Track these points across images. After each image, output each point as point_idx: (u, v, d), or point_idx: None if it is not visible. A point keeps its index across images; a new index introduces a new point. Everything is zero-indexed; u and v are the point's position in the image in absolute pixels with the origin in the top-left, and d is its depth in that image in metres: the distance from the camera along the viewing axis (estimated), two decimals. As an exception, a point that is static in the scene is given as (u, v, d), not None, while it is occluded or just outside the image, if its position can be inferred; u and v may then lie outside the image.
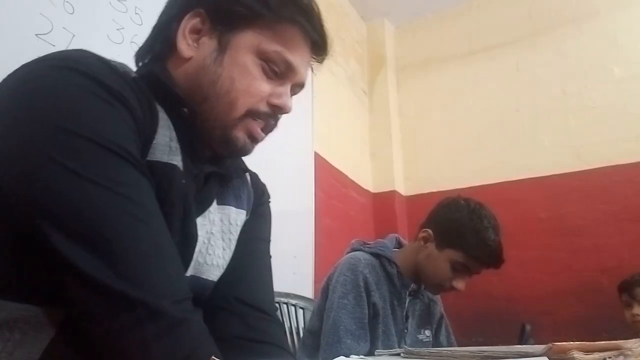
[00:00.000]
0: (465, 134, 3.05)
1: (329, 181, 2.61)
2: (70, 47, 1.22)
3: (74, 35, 1.24)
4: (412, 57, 3.41)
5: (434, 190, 2.94)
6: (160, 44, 0.70)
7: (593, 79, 2.76)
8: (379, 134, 3.22)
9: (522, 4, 3.06)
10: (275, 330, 0.75)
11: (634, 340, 0.61)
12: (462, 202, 1.38)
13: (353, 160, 2.96)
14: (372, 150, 3.21)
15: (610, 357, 0.55)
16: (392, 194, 3.06)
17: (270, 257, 0.82)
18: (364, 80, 3.34)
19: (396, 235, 1.54)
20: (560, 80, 2.84)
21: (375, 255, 1.39)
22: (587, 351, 0.52)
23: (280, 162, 2.11)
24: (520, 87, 2.95)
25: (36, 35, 1.16)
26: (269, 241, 0.84)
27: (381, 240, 1.49)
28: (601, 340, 0.56)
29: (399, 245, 1.51)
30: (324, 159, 2.58)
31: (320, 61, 0.77)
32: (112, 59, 0.61)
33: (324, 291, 1.37)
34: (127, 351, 0.49)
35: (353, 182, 2.89)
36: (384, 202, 3.06)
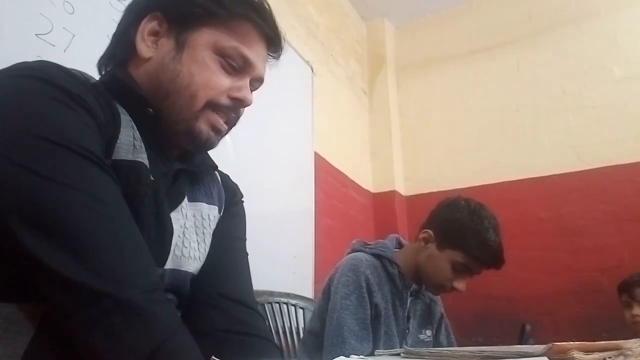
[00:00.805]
0: (465, 134, 3.05)
1: (329, 181, 2.61)
2: (70, 47, 1.22)
3: (74, 35, 1.24)
4: (412, 57, 3.41)
5: (434, 190, 2.94)
6: (121, 49, 0.73)
7: (593, 79, 2.76)
8: (379, 134, 3.22)
9: (522, 4, 3.06)
10: (259, 323, 0.77)
11: (634, 340, 0.61)
12: (463, 202, 1.38)
13: (353, 160, 2.96)
14: (372, 150, 3.21)
15: (610, 357, 0.55)
16: (392, 194, 3.06)
17: (247, 254, 0.84)
18: (364, 80, 3.34)
19: (396, 235, 1.54)
20: (560, 80, 2.84)
21: (377, 255, 1.39)
22: (587, 351, 0.52)
23: (280, 162, 2.12)
24: (520, 87, 2.95)
25: (36, 35, 1.16)
26: (245, 240, 0.86)
27: (382, 240, 1.49)
28: (601, 340, 0.56)
29: (400, 245, 1.51)
30: (324, 159, 2.58)
31: (277, 57, 0.79)
32: (73, 68, 0.63)
33: (325, 292, 1.37)
34: (97, 343, 0.50)
35: (353, 182, 2.89)
36: (384, 202, 3.06)
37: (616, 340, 0.60)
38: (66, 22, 1.23)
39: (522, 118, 2.90)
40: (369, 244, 1.45)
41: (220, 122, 0.71)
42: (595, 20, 2.84)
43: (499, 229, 1.33)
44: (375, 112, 3.29)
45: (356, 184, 2.93)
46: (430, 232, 1.38)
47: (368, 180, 3.11)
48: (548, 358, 0.50)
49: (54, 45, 1.18)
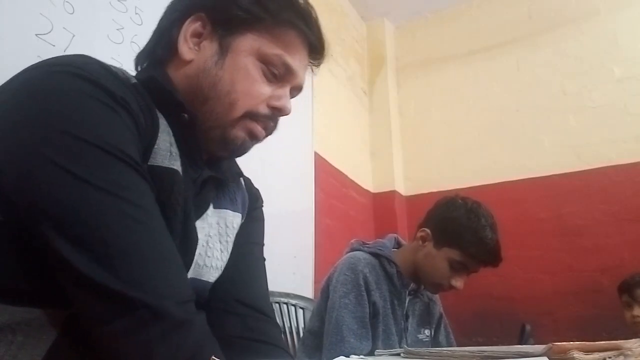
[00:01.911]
0: (465, 134, 3.05)
1: (329, 181, 2.61)
2: (70, 47, 1.22)
3: (74, 35, 1.24)
4: (412, 57, 3.41)
5: (434, 190, 2.94)
6: (161, 48, 0.71)
7: (593, 79, 2.76)
8: (379, 134, 3.22)
9: (522, 4, 3.06)
10: (273, 331, 0.77)
11: (634, 340, 0.61)
12: (460, 201, 1.39)
13: (353, 160, 2.96)
14: (372, 150, 3.21)
15: (610, 357, 0.55)
16: (392, 194, 3.06)
17: (264, 259, 0.84)
18: (364, 80, 3.34)
19: (395, 235, 1.55)
20: (560, 80, 2.84)
21: (375, 254, 1.40)
22: (587, 351, 0.52)
23: (280, 162, 2.11)
24: (520, 87, 2.95)
25: (36, 35, 1.16)
26: (263, 245, 0.86)
27: (380, 240, 1.49)
28: (601, 340, 0.56)
29: (398, 245, 1.52)
30: (324, 159, 2.58)
31: (318, 65, 0.78)
32: (112, 65, 0.62)
33: (324, 291, 1.38)
34: (129, 353, 0.49)
35: (353, 182, 2.89)
36: (384, 202, 3.06)
37: (616, 340, 0.60)
38: (66, 22, 1.23)
39: (522, 118, 2.90)
40: (368, 243, 1.45)
41: (259, 129, 0.70)
42: (595, 20, 2.83)
43: (496, 227, 1.34)
44: (375, 112, 3.29)
45: (356, 184, 2.93)
46: (428, 230, 1.39)
47: (368, 180, 3.11)
48: (548, 358, 0.50)
49: (54, 45, 1.18)
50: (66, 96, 0.54)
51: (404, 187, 3.18)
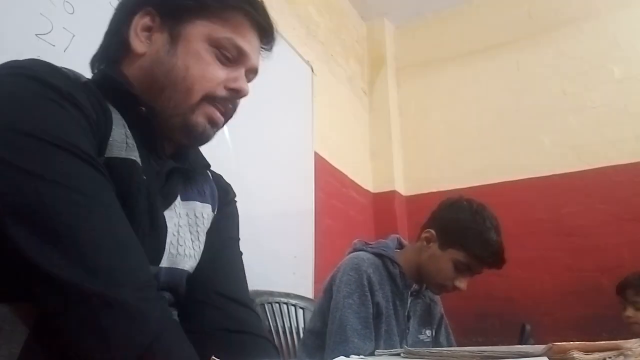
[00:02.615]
0: (465, 134, 3.05)
1: (329, 181, 2.61)
2: (70, 47, 1.22)
3: (74, 35, 1.24)
4: (412, 57, 3.41)
5: (434, 190, 2.94)
6: (114, 47, 0.72)
7: (593, 79, 2.76)
8: (379, 134, 3.22)
9: (522, 4, 3.06)
10: (256, 321, 0.77)
11: (634, 340, 0.61)
12: (465, 202, 1.39)
13: (353, 160, 2.96)
14: (372, 150, 3.21)
15: (610, 357, 0.55)
16: (392, 194, 3.06)
17: (241, 253, 0.84)
18: (364, 80, 3.34)
19: (397, 235, 1.55)
20: (560, 80, 2.84)
21: (378, 255, 1.39)
22: (587, 351, 0.52)
23: (280, 162, 2.11)
24: (520, 87, 2.95)
25: (36, 35, 1.16)
26: (238, 239, 0.86)
27: (383, 240, 1.49)
28: (601, 340, 0.56)
29: (400, 245, 1.51)
30: (324, 159, 2.58)
31: (269, 49, 0.79)
32: (64, 67, 0.63)
33: (327, 291, 1.37)
34: (86, 343, 0.49)
35: (353, 182, 2.89)
36: (384, 202, 3.06)
37: (616, 340, 0.60)
38: (66, 22, 1.23)
39: (522, 118, 2.90)
40: (371, 244, 1.45)
41: (217, 115, 0.71)
42: (595, 20, 2.84)
43: (500, 229, 1.34)
44: (375, 112, 3.29)
45: (356, 184, 2.93)
46: (433, 231, 1.39)
47: (368, 180, 3.11)
48: (548, 358, 0.50)
49: (54, 45, 1.18)
50: (12, 94, 0.55)
51: (404, 187, 3.18)
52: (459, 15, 3.27)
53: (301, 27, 2.56)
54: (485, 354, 0.55)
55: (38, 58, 0.62)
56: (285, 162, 2.17)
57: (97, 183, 0.56)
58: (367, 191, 3.07)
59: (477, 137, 3.00)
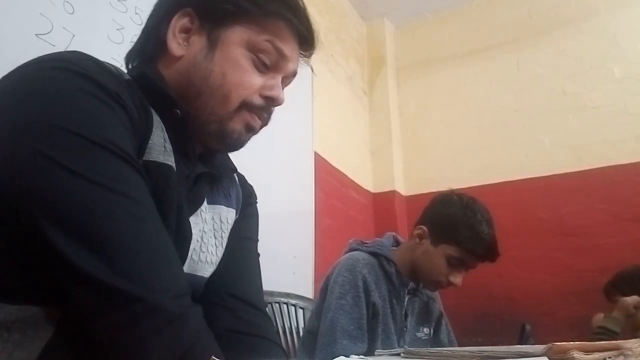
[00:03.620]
0: (465, 134, 3.05)
1: (329, 181, 2.61)
2: (70, 47, 1.22)
3: (74, 35, 1.24)
4: (412, 57, 3.41)
5: (434, 190, 2.91)
6: (151, 46, 0.71)
7: (593, 79, 2.76)
8: (379, 134, 3.22)
9: (522, 4, 3.06)
10: (265, 324, 0.77)
11: (634, 340, 0.61)
12: (455, 197, 1.39)
13: (353, 160, 2.96)
14: (372, 150, 3.21)
15: (610, 357, 0.55)
16: (392, 194, 3.06)
17: (258, 255, 0.84)
18: (364, 80, 3.34)
19: (393, 233, 1.54)
20: (560, 80, 2.84)
21: (374, 254, 1.39)
22: (587, 351, 0.52)
23: (280, 162, 2.12)
24: (520, 87, 2.95)
25: (36, 35, 1.16)
26: (257, 240, 0.85)
27: (379, 239, 1.49)
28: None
29: (397, 243, 1.51)
30: (324, 159, 2.58)
31: (308, 56, 0.78)
32: (106, 61, 0.61)
33: (323, 291, 1.37)
34: (124, 347, 0.49)
35: (353, 182, 2.89)
36: (384, 202, 3.06)
37: (616, 340, 0.60)
38: (66, 22, 1.23)
39: (522, 118, 2.90)
40: (366, 243, 1.45)
41: (256, 120, 0.70)
42: (595, 20, 2.83)
43: (492, 222, 1.34)
44: (375, 112, 3.29)
45: (356, 184, 2.93)
46: (424, 228, 1.39)
47: (368, 180, 3.11)
48: (548, 358, 0.50)
49: (54, 45, 1.18)
50: (60, 92, 0.54)
51: (404, 187, 3.18)
52: (459, 15, 3.27)
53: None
54: (485, 354, 0.55)
55: (79, 51, 0.61)
56: (285, 162, 2.17)
57: (140, 186, 0.55)
58: (367, 191, 3.07)
59: (477, 137, 3.00)
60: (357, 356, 0.69)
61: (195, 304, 0.57)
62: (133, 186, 0.54)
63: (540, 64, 2.93)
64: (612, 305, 1.89)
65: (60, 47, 1.20)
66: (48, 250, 0.49)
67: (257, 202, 0.88)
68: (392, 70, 3.40)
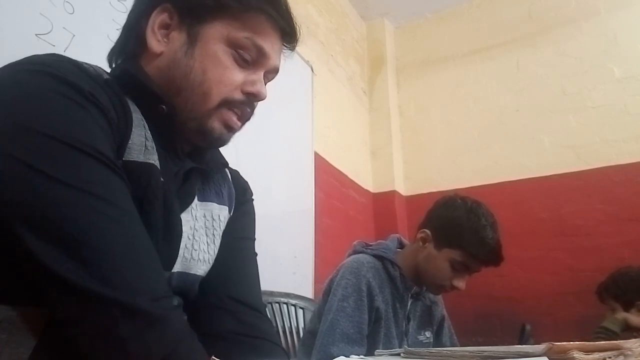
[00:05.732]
0: (465, 134, 3.05)
1: (329, 181, 2.61)
2: (70, 47, 1.22)
3: (74, 35, 1.24)
4: (412, 57, 3.41)
5: (434, 190, 2.94)
6: (132, 42, 0.71)
7: (593, 79, 2.76)
8: (379, 134, 3.22)
9: (522, 4, 3.06)
10: (266, 326, 0.76)
11: (634, 340, 0.61)
12: (459, 200, 1.37)
13: (353, 160, 2.96)
14: (372, 150, 3.21)
15: (610, 357, 0.55)
16: (392, 194, 3.06)
17: (256, 254, 0.83)
18: (363, 80, 3.34)
19: (398, 235, 1.52)
20: (560, 80, 2.84)
21: (378, 257, 1.38)
22: (587, 351, 0.52)
23: (280, 162, 2.12)
24: (520, 87, 2.95)
25: (36, 35, 1.16)
26: (254, 239, 0.84)
27: (383, 241, 1.47)
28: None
29: (401, 245, 1.49)
30: (324, 159, 2.58)
31: (292, 49, 0.77)
32: (86, 62, 0.61)
33: (326, 293, 1.36)
34: (104, 351, 0.49)
35: (353, 182, 2.89)
36: (384, 202, 3.06)
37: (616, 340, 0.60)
38: (66, 22, 1.23)
39: (522, 118, 2.90)
40: (371, 245, 1.44)
41: (234, 120, 0.69)
42: (595, 20, 2.84)
43: (497, 226, 1.32)
44: (375, 112, 3.29)
45: (356, 184, 2.93)
46: (428, 231, 1.38)
47: (368, 180, 3.11)
48: (548, 358, 0.50)
49: (54, 45, 1.18)
50: (32, 94, 0.53)
51: (404, 187, 3.18)
52: (459, 15, 3.27)
53: (301, 27, 2.56)
54: (485, 354, 0.55)
55: (56, 53, 0.60)
56: (285, 162, 2.17)
57: (117, 189, 0.55)
58: (367, 191, 3.07)
59: (477, 137, 3.00)
60: (357, 356, 0.70)
61: (177, 306, 0.56)
62: (109, 188, 0.54)
63: (540, 63, 2.93)
64: (605, 307, 1.90)
65: (60, 47, 1.20)
66: (25, 255, 0.49)
67: (253, 199, 0.87)
68: (392, 70, 3.40)
